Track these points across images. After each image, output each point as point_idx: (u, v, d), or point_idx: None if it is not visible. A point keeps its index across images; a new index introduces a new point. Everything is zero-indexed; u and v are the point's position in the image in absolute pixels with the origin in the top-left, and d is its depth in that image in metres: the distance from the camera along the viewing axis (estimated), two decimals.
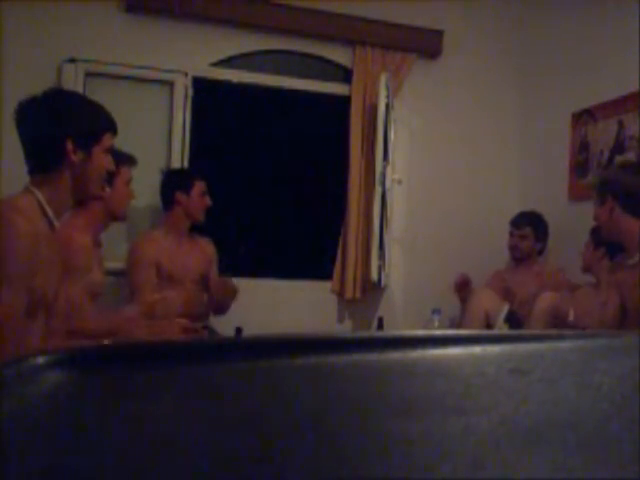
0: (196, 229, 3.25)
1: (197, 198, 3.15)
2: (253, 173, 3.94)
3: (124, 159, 2.47)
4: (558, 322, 2.76)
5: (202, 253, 3.23)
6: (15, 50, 3.23)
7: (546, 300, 2.95)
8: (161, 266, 3.04)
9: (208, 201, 3.18)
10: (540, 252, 3.54)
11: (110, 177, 1.94)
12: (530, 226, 3.45)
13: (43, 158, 1.71)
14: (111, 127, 1.79)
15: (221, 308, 3.21)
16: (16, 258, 1.57)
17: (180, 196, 3.14)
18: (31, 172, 1.72)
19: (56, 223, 1.70)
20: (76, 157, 1.69)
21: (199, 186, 3.16)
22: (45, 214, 1.68)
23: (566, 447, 0.42)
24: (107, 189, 1.96)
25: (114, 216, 2.52)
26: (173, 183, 3.19)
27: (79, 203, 2.21)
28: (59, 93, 1.93)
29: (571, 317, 2.67)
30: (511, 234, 3.50)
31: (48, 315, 1.76)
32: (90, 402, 0.50)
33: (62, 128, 1.69)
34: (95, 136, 1.73)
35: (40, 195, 1.67)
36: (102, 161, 1.76)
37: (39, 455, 0.40)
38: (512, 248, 3.51)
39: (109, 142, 1.78)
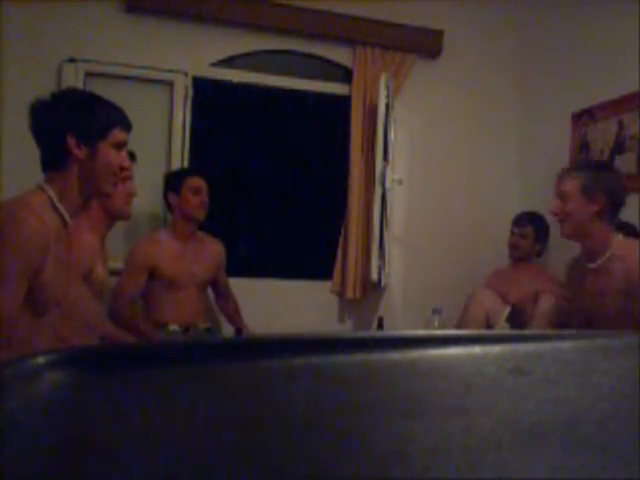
0: (204, 229, 3.19)
1: (188, 196, 3.03)
2: (253, 173, 3.93)
3: None
4: (560, 322, 2.76)
5: (209, 256, 3.15)
6: (15, 50, 3.23)
7: (548, 300, 2.94)
8: (160, 269, 2.98)
9: (202, 197, 3.04)
10: (539, 254, 3.54)
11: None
12: (532, 226, 3.45)
13: (50, 155, 1.71)
14: (119, 123, 1.77)
15: (228, 315, 3.32)
16: (18, 253, 1.57)
17: (172, 198, 3.08)
18: (43, 170, 1.73)
19: (68, 220, 1.70)
20: (81, 152, 1.69)
21: (190, 183, 3.05)
22: (57, 211, 1.68)
23: (566, 447, 0.42)
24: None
25: (117, 215, 2.48)
26: (165, 186, 3.15)
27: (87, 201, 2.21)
28: (64, 91, 1.91)
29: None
30: (512, 232, 3.50)
31: (57, 313, 1.76)
32: (90, 402, 0.50)
33: (63, 123, 1.69)
34: (100, 131, 1.72)
35: (51, 192, 1.67)
36: (110, 156, 1.74)
37: (39, 455, 0.40)
38: (512, 246, 3.51)
39: (118, 137, 1.76)
